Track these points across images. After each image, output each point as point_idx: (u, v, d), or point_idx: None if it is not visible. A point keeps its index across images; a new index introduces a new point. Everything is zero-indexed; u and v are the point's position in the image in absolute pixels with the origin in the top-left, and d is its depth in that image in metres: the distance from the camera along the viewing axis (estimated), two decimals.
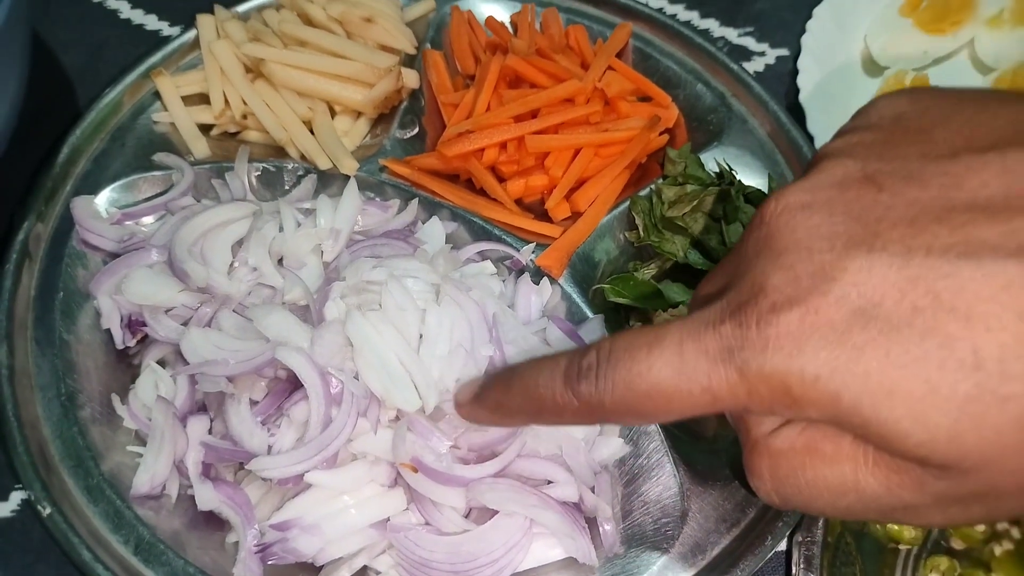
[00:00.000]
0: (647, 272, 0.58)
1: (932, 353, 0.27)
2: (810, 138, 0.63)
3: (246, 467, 0.46)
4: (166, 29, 0.72)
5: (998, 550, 0.51)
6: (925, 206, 0.29)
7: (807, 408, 0.29)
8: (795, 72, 0.68)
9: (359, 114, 0.64)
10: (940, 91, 0.35)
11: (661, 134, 0.63)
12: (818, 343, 0.28)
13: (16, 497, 0.52)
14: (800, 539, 0.49)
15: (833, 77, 0.69)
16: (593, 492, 0.49)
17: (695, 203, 0.57)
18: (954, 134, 0.32)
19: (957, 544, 0.52)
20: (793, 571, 0.48)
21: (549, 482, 0.48)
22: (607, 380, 0.33)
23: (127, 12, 0.73)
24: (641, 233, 0.59)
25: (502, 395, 0.39)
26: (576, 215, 0.60)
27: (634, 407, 0.33)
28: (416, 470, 0.45)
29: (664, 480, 0.50)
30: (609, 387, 0.33)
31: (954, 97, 0.34)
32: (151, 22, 0.73)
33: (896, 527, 0.51)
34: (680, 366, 0.31)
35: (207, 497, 0.47)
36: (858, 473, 0.31)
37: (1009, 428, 0.27)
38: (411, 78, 0.64)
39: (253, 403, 0.48)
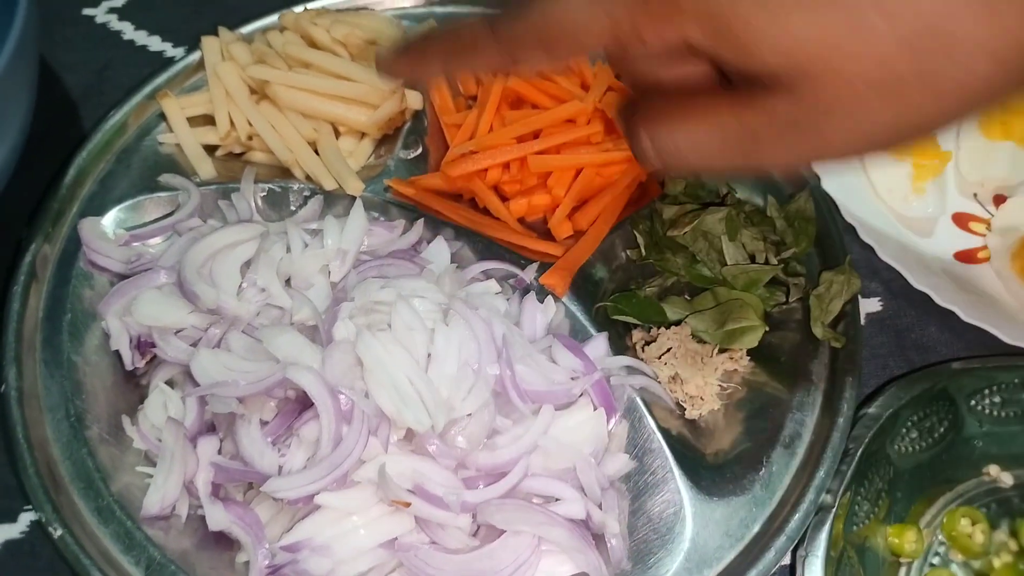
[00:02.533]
0: (649, 290, 0.59)
1: None
2: None
3: (260, 489, 0.46)
4: (169, 50, 0.73)
5: (997, 562, 0.52)
6: None
7: (687, 15, 0.33)
8: None
9: (363, 135, 0.64)
10: None
11: None
12: None
13: (25, 518, 0.52)
14: (803, 553, 0.49)
15: None
16: (600, 508, 0.49)
17: (695, 222, 0.58)
18: None
19: (956, 556, 0.53)
20: None
21: (556, 499, 0.49)
22: (524, 18, 0.36)
23: (130, 33, 0.74)
24: (643, 251, 0.60)
25: (424, 41, 0.39)
26: (578, 234, 0.61)
27: (546, 38, 0.35)
28: (408, 505, 0.46)
29: (669, 496, 0.50)
30: (524, 22, 0.36)
31: None
32: (154, 43, 0.74)
33: (896, 541, 0.52)
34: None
35: (218, 517, 0.48)
36: (720, 115, 0.35)
37: (845, 32, 0.31)
38: (414, 99, 0.65)
39: (263, 423, 0.49)
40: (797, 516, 0.50)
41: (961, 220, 0.67)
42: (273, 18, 0.69)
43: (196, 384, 0.49)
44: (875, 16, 0.31)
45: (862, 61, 0.32)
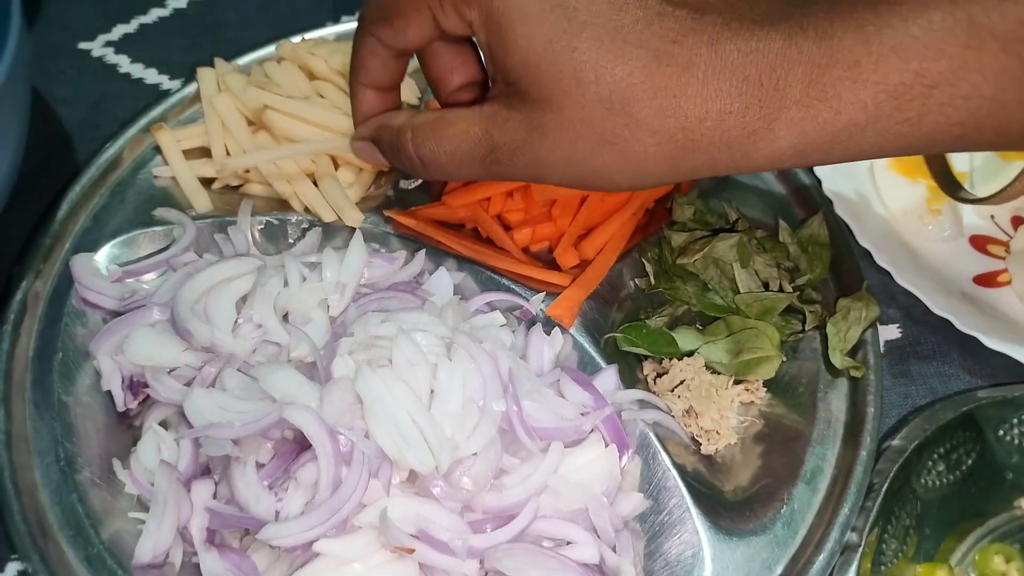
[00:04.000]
0: (659, 320, 0.57)
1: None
2: (818, 181, 0.63)
3: (256, 537, 0.44)
4: (166, 83, 0.72)
5: None
6: None
7: (477, 3, 0.40)
8: None
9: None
10: None
11: None
12: None
13: (12, 568, 0.50)
14: None
15: None
16: (614, 551, 0.47)
17: (705, 250, 0.56)
18: None
19: None
20: None
21: (568, 543, 0.47)
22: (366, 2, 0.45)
23: (126, 66, 0.73)
24: (652, 280, 0.58)
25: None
26: (585, 263, 0.59)
27: (385, 14, 0.45)
28: (412, 551, 0.43)
29: (687, 537, 0.48)
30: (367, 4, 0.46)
31: None
32: (151, 76, 0.73)
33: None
34: None
35: (212, 566, 0.45)
36: (469, 125, 0.42)
37: (566, 59, 0.38)
38: None
39: (259, 466, 0.46)
40: (822, 556, 0.47)
41: (979, 243, 0.65)
42: (270, 49, 0.68)
43: (190, 425, 0.47)
44: (591, 76, 0.37)
45: (583, 107, 0.38)
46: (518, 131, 0.41)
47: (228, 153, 0.62)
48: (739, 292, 0.56)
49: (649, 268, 0.58)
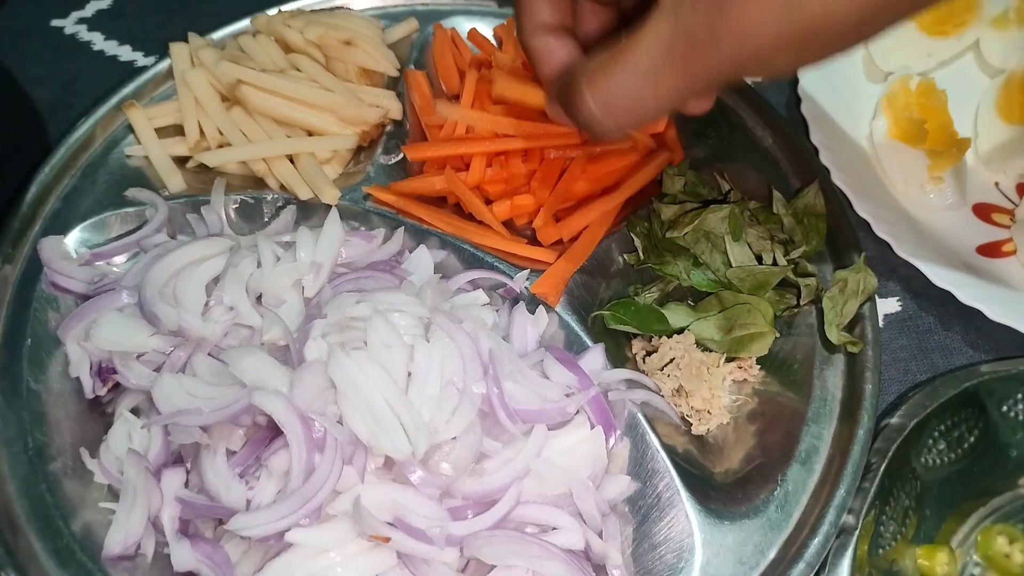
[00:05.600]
0: (648, 296, 0.55)
1: None
2: (814, 149, 0.60)
3: (225, 527, 0.43)
4: (140, 60, 0.70)
5: None
6: None
7: None
8: (795, 81, 0.65)
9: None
10: None
11: (655, 151, 0.60)
12: None
13: None
14: None
15: (834, 84, 0.66)
16: (600, 537, 0.45)
17: (696, 222, 0.54)
18: None
19: None
20: None
21: (552, 529, 0.45)
22: None
23: (100, 43, 0.71)
24: (641, 255, 0.56)
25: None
26: (571, 238, 0.57)
27: None
28: (388, 540, 0.42)
29: (676, 521, 0.46)
30: None
31: None
32: (125, 53, 0.71)
33: (927, 563, 0.48)
34: None
35: (184, 557, 0.44)
36: (655, 28, 0.36)
37: None
38: (395, 109, 0.61)
39: (231, 453, 0.45)
40: (817, 540, 0.45)
41: (983, 211, 0.62)
42: (245, 22, 0.66)
43: (160, 412, 0.46)
44: None
45: None
46: (683, 26, 0.35)
47: (202, 131, 0.60)
48: (731, 266, 0.53)
49: (638, 243, 0.56)
